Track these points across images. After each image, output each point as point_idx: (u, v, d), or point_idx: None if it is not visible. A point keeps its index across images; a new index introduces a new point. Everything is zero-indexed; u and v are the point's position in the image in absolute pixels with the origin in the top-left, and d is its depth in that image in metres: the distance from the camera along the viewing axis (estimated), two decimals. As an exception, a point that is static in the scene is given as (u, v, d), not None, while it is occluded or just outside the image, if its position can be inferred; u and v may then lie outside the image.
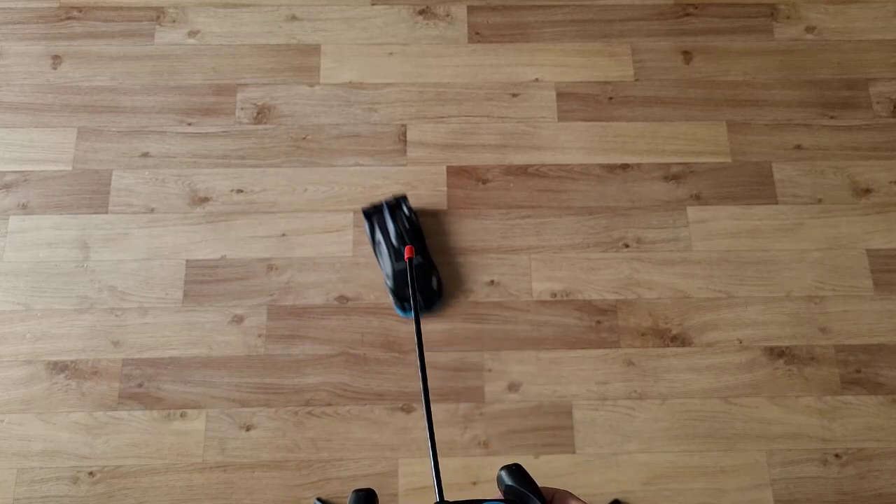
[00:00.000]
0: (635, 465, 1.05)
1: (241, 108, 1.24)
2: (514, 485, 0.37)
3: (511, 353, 1.10)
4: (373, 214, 1.13)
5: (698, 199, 1.19)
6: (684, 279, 1.15)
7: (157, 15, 1.30)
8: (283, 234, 1.16)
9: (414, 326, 0.42)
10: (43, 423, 1.06)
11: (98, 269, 1.14)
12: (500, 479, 0.38)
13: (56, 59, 1.27)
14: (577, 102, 1.25)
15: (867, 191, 1.20)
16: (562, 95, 1.25)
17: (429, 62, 1.28)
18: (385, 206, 1.13)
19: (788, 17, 1.31)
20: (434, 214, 1.18)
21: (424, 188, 1.19)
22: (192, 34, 1.29)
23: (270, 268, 1.14)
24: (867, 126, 1.24)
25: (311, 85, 1.26)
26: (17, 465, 1.04)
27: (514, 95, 1.25)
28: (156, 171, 1.20)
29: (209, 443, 1.05)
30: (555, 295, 1.14)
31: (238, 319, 1.12)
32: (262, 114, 1.23)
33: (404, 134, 1.23)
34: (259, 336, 1.11)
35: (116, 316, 1.12)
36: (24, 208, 1.17)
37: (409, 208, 1.12)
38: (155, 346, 1.10)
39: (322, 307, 1.13)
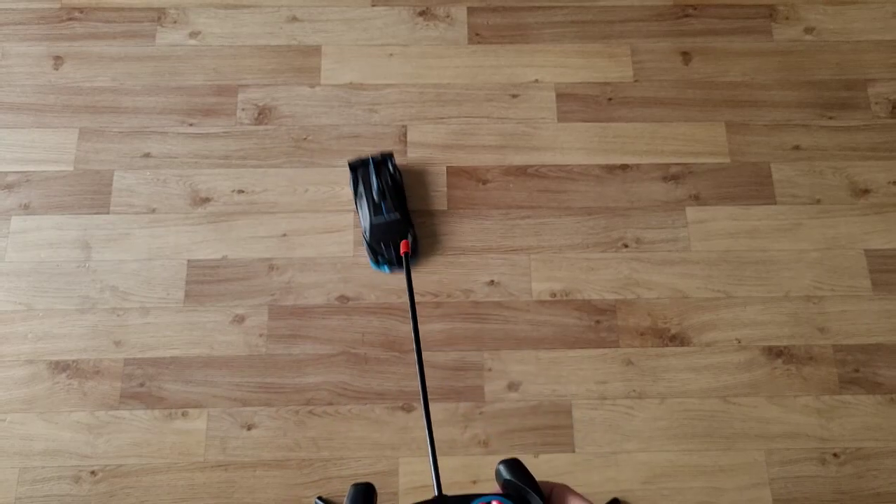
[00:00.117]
0: (634, 464, 1.06)
1: (242, 109, 1.24)
2: (513, 479, 0.37)
3: (511, 353, 1.11)
4: (358, 167, 1.16)
5: (697, 199, 1.20)
6: (683, 279, 1.15)
7: (159, 16, 1.30)
8: (284, 235, 1.17)
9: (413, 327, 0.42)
10: (45, 423, 1.07)
11: (100, 270, 1.14)
12: (498, 474, 0.38)
13: (57, 60, 1.27)
14: (576, 103, 1.25)
15: (865, 191, 1.20)
16: (561, 96, 1.26)
17: (429, 63, 1.28)
18: (371, 161, 1.15)
19: (787, 18, 1.32)
20: (434, 214, 1.19)
21: (424, 189, 1.20)
22: (193, 35, 1.29)
23: (271, 268, 1.15)
24: (866, 126, 1.24)
25: (312, 86, 1.26)
26: (19, 464, 1.05)
27: (514, 96, 1.26)
28: (157, 172, 1.20)
29: (210, 442, 1.06)
30: (554, 295, 1.14)
31: (239, 319, 1.12)
32: (263, 114, 1.24)
33: (405, 134, 1.23)
34: (260, 336, 1.11)
35: (118, 316, 1.12)
36: (26, 208, 1.18)
37: (395, 166, 1.15)
38: (156, 346, 1.11)
39: (323, 307, 1.13)
